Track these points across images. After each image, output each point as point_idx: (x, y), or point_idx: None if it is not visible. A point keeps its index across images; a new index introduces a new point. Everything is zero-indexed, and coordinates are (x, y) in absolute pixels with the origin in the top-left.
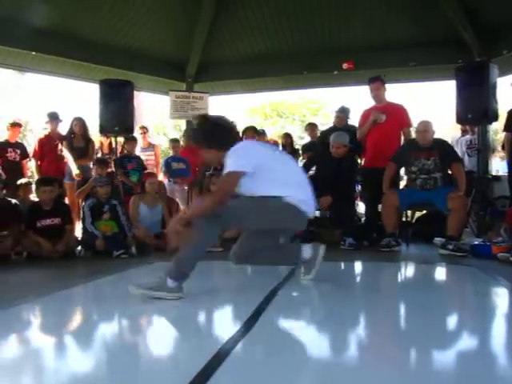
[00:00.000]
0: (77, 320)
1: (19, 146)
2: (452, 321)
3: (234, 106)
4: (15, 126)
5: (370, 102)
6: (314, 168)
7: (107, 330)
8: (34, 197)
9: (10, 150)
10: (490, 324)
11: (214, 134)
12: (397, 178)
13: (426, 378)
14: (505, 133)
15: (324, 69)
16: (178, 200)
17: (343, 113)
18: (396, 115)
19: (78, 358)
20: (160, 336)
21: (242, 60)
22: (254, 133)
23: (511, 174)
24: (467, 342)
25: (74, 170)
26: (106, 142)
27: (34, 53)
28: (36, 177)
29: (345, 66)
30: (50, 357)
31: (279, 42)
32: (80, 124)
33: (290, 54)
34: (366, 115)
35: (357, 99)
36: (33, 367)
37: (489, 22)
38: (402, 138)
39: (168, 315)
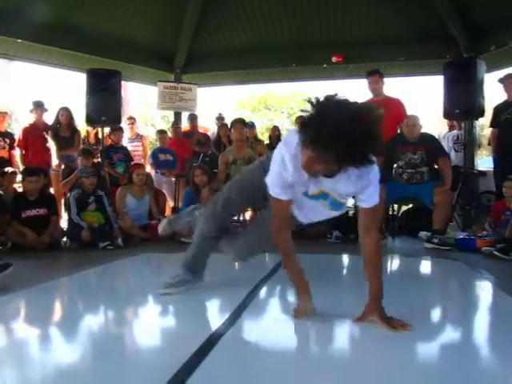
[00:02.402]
0: (61, 312)
1: (8, 136)
2: (435, 314)
3: (224, 98)
4: (2, 114)
5: (359, 96)
6: None
7: (92, 321)
8: (18, 186)
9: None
10: (473, 317)
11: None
12: (386, 172)
13: (408, 371)
14: (491, 128)
15: (313, 62)
16: (165, 191)
17: None
18: (393, 109)
19: (62, 351)
20: (145, 328)
21: (230, 52)
22: (243, 125)
23: (497, 170)
24: (450, 335)
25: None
26: (92, 131)
27: (19, 40)
28: (21, 166)
29: (334, 59)
30: (33, 349)
31: (268, 33)
32: (66, 114)
33: (279, 46)
34: None
35: (346, 93)
36: (16, 360)
37: (477, 19)
38: (399, 131)
39: (153, 307)
